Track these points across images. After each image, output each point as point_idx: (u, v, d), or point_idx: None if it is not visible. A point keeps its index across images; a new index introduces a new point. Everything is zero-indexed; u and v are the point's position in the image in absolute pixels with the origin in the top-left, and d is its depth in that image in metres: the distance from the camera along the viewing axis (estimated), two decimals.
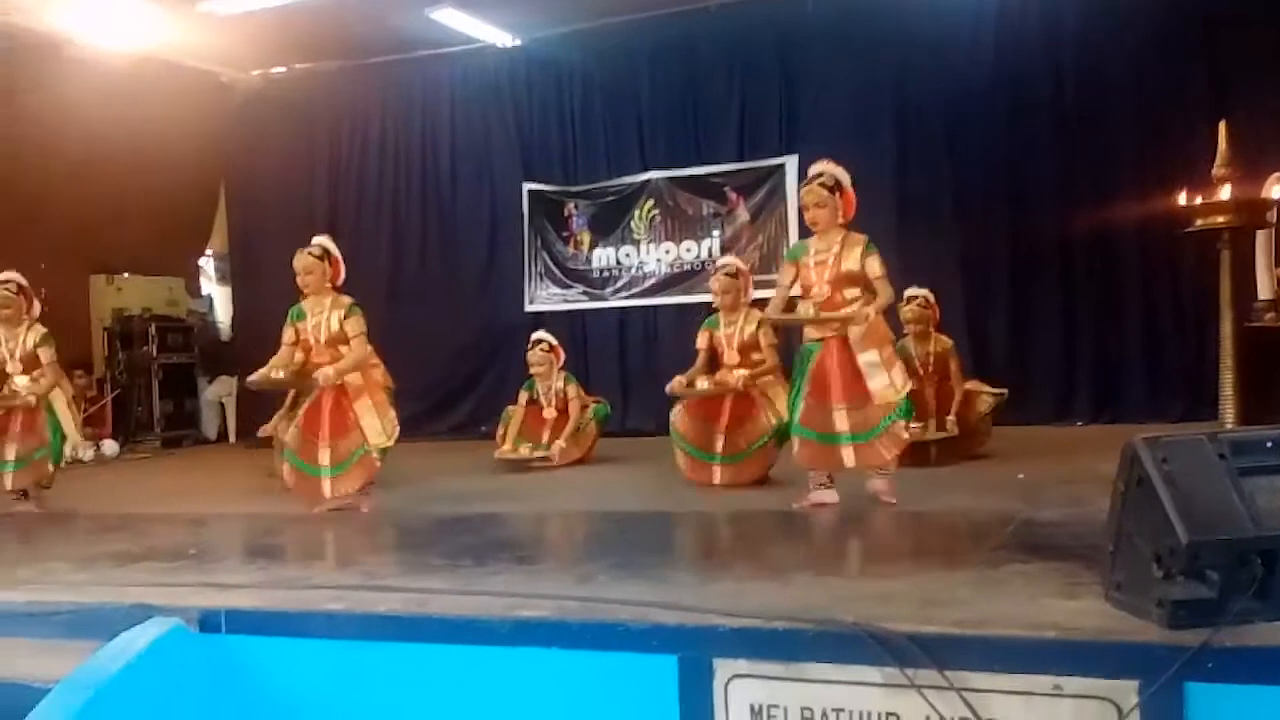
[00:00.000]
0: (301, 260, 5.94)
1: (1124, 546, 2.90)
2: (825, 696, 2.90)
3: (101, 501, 6.51)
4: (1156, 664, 2.59)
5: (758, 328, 6.42)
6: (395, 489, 6.20)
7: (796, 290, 5.36)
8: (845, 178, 5.22)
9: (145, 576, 4.15)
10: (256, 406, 10.70)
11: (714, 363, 6.64)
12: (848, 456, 5.11)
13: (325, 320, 5.85)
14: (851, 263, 5.10)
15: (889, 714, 2.84)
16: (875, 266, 5.08)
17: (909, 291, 7.11)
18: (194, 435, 11.59)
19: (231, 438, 11.46)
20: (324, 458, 5.77)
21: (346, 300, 5.91)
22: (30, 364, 6.31)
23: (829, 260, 5.13)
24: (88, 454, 7.24)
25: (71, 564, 4.53)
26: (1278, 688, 2.53)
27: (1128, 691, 2.63)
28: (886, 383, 5.03)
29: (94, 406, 10.42)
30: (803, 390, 5.20)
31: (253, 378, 5.90)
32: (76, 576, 4.26)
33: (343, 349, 5.82)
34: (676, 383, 6.44)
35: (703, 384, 6.43)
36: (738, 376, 6.32)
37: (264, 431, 6.81)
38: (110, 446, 10.17)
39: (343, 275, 6.07)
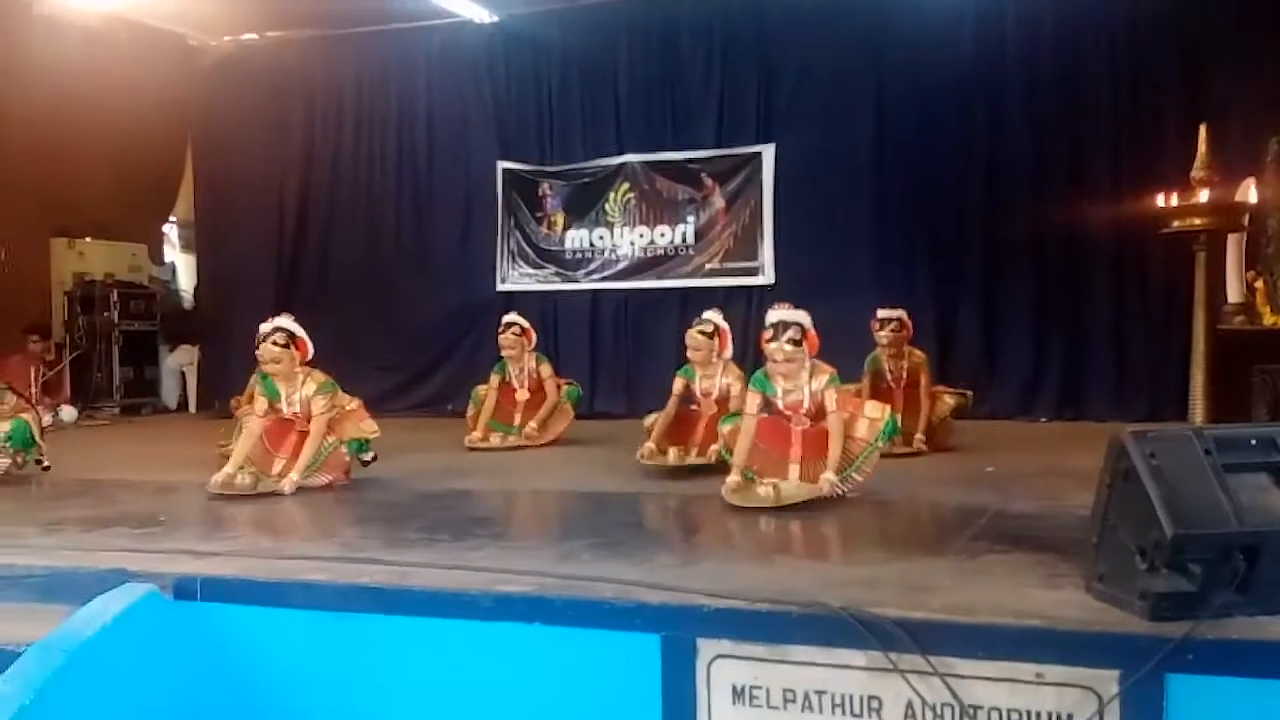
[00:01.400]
0: (267, 351, 5.58)
1: (1108, 538, 2.94)
2: (808, 679, 2.92)
3: (60, 467, 6.40)
4: (1138, 655, 2.63)
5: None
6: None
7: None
8: (807, 320, 5.15)
9: (116, 542, 4.11)
10: (219, 377, 10.62)
11: (688, 401, 6.48)
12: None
13: (301, 398, 5.66)
14: (818, 392, 5.10)
15: (871, 697, 2.87)
16: (832, 401, 5.07)
17: (883, 313, 7.10)
18: (153, 404, 11.44)
19: (192, 408, 11.33)
20: (277, 467, 5.58)
21: (321, 377, 5.69)
22: None
23: (803, 398, 5.14)
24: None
25: (39, 528, 4.47)
26: (1257, 680, 2.58)
27: (1109, 681, 2.67)
28: (867, 424, 5.08)
29: (51, 371, 10.26)
30: (750, 430, 5.15)
31: (215, 481, 5.39)
32: (46, 541, 4.20)
33: None
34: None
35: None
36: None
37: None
38: (68, 412, 9.99)
39: (310, 352, 5.75)
